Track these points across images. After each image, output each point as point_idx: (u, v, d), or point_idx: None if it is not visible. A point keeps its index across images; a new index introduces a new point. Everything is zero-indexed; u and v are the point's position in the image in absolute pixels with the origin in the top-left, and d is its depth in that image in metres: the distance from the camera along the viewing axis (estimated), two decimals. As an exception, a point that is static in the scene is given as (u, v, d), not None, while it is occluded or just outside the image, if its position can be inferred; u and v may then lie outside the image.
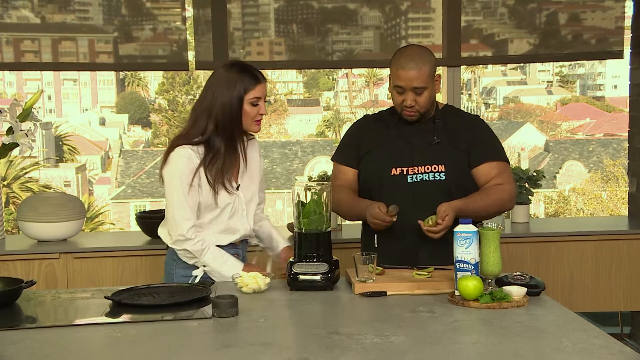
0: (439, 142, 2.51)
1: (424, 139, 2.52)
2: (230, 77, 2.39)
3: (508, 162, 2.59)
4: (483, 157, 2.52)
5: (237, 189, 2.46)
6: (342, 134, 2.73)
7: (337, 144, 2.71)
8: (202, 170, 2.39)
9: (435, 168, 2.49)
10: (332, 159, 2.69)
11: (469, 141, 2.52)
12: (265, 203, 2.64)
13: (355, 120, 2.75)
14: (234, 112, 2.38)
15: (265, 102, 2.45)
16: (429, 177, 2.49)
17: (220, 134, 2.40)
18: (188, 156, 2.37)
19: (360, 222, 2.65)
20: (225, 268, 2.39)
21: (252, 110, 2.41)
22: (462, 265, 2.11)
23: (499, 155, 2.56)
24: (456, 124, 2.56)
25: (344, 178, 2.62)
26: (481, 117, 2.68)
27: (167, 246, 2.48)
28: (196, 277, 2.43)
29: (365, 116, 2.71)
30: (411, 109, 2.48)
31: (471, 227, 2.12)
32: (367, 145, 2.58)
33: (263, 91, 2.42)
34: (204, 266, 2.41)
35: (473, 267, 2.10)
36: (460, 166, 2.51)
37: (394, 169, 2.51)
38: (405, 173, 2.50)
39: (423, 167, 2.50)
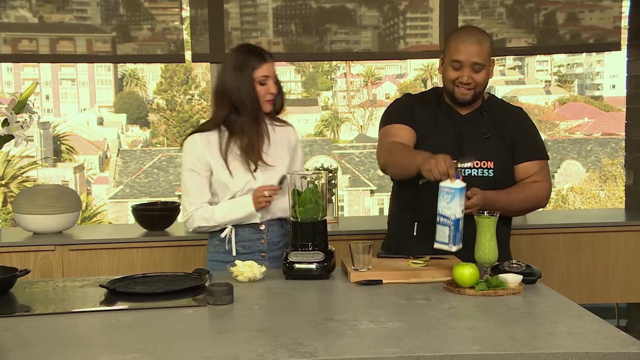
0: (488, 137, 2.42)
1: (473, 131, 2.43)
2: (239, 59, 2.45)
3: (548, 158, 2.53)
4: (527, 156, 2.46)
5: (255, 170, 2.46)
6: (384, 115, 2.55)
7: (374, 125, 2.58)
8: (215, 154, 2.45)
9: (484, 164, 2.41)
10: (382, 126, 2.51)
11: (514, 136, 2.46)
12: None
13: (396, 98, 2.65)
14: (251, 93, 2.43)
15: (276, 82, 2.47)
16: (477, 173, 2.40)
17: (243, 114, 2.43)
18: (193, 144, 2.47)
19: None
20: (238, 211, 2.42)
21: (262, 90, 2.44)
22: (442, 219, 2.11)
23: (541, 153, 2.50)
24: (502, 117, 2.49)
25: (398, 134, 2.42)
26: (524, 110, 2.60)
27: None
28: (226, 236, 2.48)
29: (408, 94, 2.61)
30: (467, 86, 2.38)
31: (457, 184, 2.09)
32: (417, 122, 2.46)
33: (271, 70, 2.45)
34: (225, 224, 2.47)
35: (452, 223, 2.10)
36: (507, 163, 2.44)
37: None
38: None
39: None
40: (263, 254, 2.49)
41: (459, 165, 2.20)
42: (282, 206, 2.50)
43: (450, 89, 2.42)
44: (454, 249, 2.15)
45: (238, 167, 2.45)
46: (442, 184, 2.10)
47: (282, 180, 2.44)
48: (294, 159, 2.58)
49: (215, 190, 2.49)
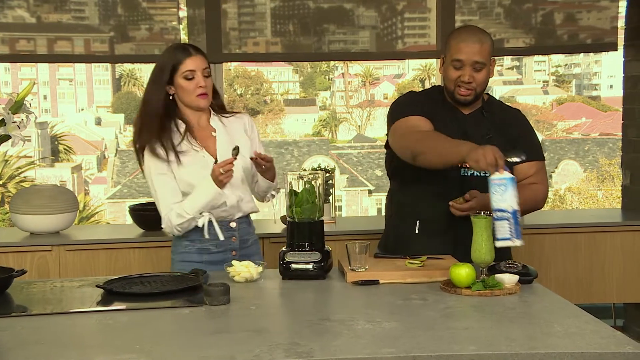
0: (490, 137, 2.39)
1: (476, 132, 2.41)
2: (163, 60, 2.44)
3: (544, 159, 2.54)
4: (526, 156, 2.42)
5: (216, 162, 2.42)
6: (398, 106, 2.51)
7: (399, 108, 2.45)
8: (169, 155, 2.43)
9: None
10: (397, 118, 2.45)
11: (514, 137, 2.46)
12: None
13: (400, 95, 2.63)
14: (160, 99, 2.41)
15: (207, 76, 2.43)
16: (479, 173, 2.37)
17: (169, 110, 2.43)
18: (151, 152, 2.43)
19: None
20: (204, 195, 2.37)
21: (189, 85, 2.41)
22: (498, 214, 2.03)
23: (539, 154, 2.51)
24: (502, 117, 2.49)
25: (419, 125, 2.38)
26: (521, 112, 2.60)
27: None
28: (203, 224, 2.43)
29: (412, 91, 2.61)
30: (468, 86, 2.38)
31: (506, 174, 2.05)
32: (429, 116, 2.43)
33: (197, 64, 2.42)
34: (200, 214, 2.41)
35: (511, 215, 2.03)
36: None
37: None
38: (459, 166, 2.38)
39: None
40: (234, 251, 2.48)
41: (507, 159, 2.16)
42: (249, 202, 2.52)
43: (452, 89, 2.43)
44: (517, 242, 2.06)
45: (190, 160, 2.44)
46: (491, 177, 2.06)
47: (235, 152, 2.37)
48: (254, 142, 2.56)
49: (185, 190, 2.44)
